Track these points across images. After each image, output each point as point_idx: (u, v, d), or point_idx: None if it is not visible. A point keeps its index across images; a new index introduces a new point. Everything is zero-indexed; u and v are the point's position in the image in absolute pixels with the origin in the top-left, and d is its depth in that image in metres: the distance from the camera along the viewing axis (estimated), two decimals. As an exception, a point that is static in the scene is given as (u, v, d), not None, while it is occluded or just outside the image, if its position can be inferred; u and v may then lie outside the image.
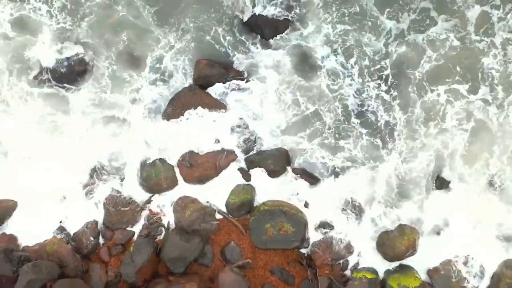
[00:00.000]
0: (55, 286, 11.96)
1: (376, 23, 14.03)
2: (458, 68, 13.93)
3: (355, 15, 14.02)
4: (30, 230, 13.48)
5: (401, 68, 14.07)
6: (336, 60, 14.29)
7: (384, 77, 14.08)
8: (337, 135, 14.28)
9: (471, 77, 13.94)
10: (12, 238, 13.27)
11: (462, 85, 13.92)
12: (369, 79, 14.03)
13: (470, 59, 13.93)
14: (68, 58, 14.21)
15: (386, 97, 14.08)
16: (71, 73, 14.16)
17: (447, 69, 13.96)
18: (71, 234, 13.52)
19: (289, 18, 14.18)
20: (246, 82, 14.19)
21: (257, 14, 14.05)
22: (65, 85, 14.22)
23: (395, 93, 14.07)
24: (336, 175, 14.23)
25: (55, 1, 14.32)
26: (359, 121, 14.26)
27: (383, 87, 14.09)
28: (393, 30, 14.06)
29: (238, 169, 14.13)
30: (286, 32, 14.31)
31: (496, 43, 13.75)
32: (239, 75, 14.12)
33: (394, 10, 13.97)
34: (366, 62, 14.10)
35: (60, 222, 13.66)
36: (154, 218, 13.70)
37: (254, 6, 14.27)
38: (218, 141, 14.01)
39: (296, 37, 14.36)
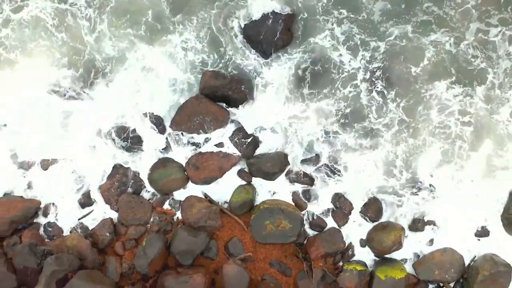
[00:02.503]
0: (76, 277, 12.37)
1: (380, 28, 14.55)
2: (453, 71, 14.42)
3: (361, 22, 14.57)
4: (52, 226, 14.00)
5: (401, 71, 14.52)
6: (339, 66, 14.62)
7: (383, 79, 14.54)
8: (332, 137, 14.63)
9: (465, 79, 14.45)
10: (36, 234, 13.70)
11: (455, 85, 14.44)
12: (371, 80, 14.54)
13: (463, 63, 14.43)
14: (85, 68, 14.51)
15: (386, 98, 14.55)
16: (85, 83, 14.45)
17: (443, 71, 14.46)
18: (89, 230, 14.00)
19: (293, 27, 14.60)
20: (249, 90, 14.59)
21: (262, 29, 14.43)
22: (80, 92, 14.49)
23: (396, 97, 14.53)
24: (330, 175, 14.58)
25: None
26: (353, 122, 14.61)
27: (384, 90, 14.55)
28: (397, 36, 14.50)
29: (240, 171, 14.58)
30: (289, 43, 14.65)
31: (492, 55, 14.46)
32: (242, 85, 14.47)
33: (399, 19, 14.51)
34: (368, 63, 14.57)
35: (79, 219, 14.13)
36: (164, 215, 14.18)
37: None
38: (223, 146, 14.52)
39: (299, 47, 14.68)
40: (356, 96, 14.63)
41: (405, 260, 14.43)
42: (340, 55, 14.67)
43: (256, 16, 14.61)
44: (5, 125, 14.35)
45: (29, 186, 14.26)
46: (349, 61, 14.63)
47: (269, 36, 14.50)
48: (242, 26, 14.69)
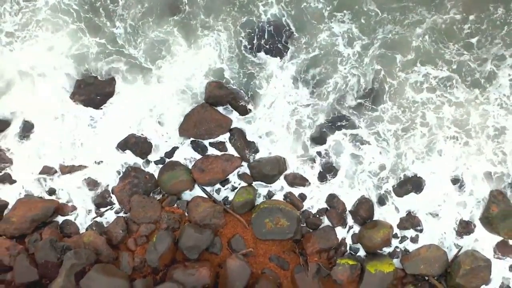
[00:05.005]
0: (93, 270, 12.84)
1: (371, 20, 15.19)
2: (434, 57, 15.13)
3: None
4: (69, 224, 14.66)
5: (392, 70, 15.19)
6: (336, 71, 15.23)
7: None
8: (328, 143, 15.27)
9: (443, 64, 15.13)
10: (54, 231, 14.20)
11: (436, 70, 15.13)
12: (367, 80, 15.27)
13: (440, 50, 15.11)
14: (99, 76, 15.10)
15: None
16: (99, 95, 14.97)
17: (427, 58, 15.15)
18: (104, 228, 14.57)
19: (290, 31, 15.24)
20: (251, 99, 15.26)
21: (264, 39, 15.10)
22: (95, 101, 15.02)
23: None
24: (325, 177, 15.21)
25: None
26: (343, 125, 15.27)
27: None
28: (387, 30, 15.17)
29: (241, 173, 15.19)
30: (289, 52, 15.26)
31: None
32: (244, 94, 15.13)
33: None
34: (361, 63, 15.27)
35: (94, 218, 14.78)
36: (172, 214, 14.59)
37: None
38: (226, 150, 15.17)
39: (299, 55, 15.24)
40: (351, 97, 15.41)
41: (396, 250, 14.98)
42: (340, 60, 15.31)
43: (259, 26, 15.36)
44: (32, 128, 15.19)
45: (48, 188, 15.00)
46: (346, 68, 15.29)
47: (271, 45, 15.24)
48: (245, 36, 15.39)
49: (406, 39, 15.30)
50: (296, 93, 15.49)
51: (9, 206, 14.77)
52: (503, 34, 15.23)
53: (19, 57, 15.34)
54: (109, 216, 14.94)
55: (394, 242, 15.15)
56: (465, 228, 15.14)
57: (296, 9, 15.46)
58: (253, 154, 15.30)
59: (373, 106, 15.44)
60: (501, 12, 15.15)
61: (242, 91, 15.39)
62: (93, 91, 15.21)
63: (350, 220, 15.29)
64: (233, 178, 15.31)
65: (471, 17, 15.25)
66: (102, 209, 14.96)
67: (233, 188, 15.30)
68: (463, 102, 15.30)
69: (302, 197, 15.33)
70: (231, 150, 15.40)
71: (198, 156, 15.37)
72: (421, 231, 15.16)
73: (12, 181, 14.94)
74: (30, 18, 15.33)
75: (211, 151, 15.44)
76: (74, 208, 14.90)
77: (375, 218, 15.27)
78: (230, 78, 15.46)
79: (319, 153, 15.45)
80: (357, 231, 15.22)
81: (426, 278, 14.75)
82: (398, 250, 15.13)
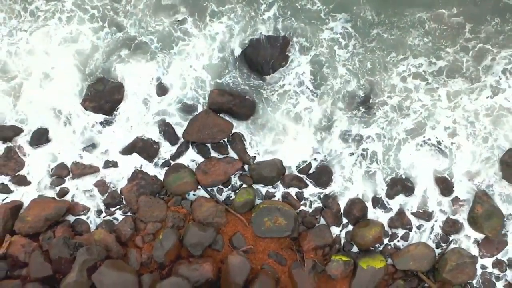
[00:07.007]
0: (104, 265, 13.25)
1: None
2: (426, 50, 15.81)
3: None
4: (80, 223, 15.27)
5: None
6: (333, 79, 15.81)
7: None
8: (324, 147, 15.72)
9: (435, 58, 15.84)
10: (67, 229, 14.67)
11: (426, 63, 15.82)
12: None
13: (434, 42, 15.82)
14: (107, 82, 15.53)
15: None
16: (107, 102, 15.47)
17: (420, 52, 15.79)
18: (113, 226, 15.02)
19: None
20: (251, 106, 15.82)
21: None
22: (104, 107, 15.49)
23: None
24: (320, 179, 15.67)
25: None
26: (341, 125, 15.81)
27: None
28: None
29: (242, 175, 15.70)
30: (286, 63, 15.91)
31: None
32: (244, 101, 15.73)
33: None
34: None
35: (104, 217, 15.30)
36: (177, 213, 14.99)
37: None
38: (228, 153, 15.82)
39: (295, 66, 15.84)
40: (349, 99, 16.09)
41: (388, 248, 15.52)
42: (338, 62, 15.93)
43: (256, 38, 16.02)
44: (45, 132, 15.89)
45: (61, 189, 15.67)
46: (344, 68, 15.86)
47: (268, 58, 15.83)
48: (243, 48, 16.08)
49: (402, 40, 16.02)
50: (295, 94, 16.10)
51: (24, 206, 15.39)
52: (499, 40, 15.98)
53: (29, 60, 16.08)
54: (118, 215, 15.49)
55: (385, 240, 15.84)
56: (452, 226, 15.70)
57: (292, 11, 16.18)
58: (253, 157, 15.96)
59: (371, 106, 16.01)
60: (498, 20, 15.89)
61: (243, 95, 16.06)
62: (103, 97, 15.82)
63: (344, 219, 15.73)
64: (234, 179, 15.81)
65: (468, 25, 16.01)
66: (112, 209, 15.66)
67: (234, 189, 15.78)
68: (459, 98, 15.93)
69: (299, 197, 15.80)
70: (232, 153, 15.90)
71: (202, 159, 15.86)
72: (410, 229, 15.81)
73: (27, 183, 15.69)
74: (44, 16, 16.14)
75: (214, 154, 15.92)
76: (85, 208, 15.55)
77: (368, 217, 15.73)
78: (232, 84, 16.15)
79: (316, 154, 15.92)
80: (350, 230, 15.68)
81: (415, 273, 15.24)
82: (389, 247, 15.81)
